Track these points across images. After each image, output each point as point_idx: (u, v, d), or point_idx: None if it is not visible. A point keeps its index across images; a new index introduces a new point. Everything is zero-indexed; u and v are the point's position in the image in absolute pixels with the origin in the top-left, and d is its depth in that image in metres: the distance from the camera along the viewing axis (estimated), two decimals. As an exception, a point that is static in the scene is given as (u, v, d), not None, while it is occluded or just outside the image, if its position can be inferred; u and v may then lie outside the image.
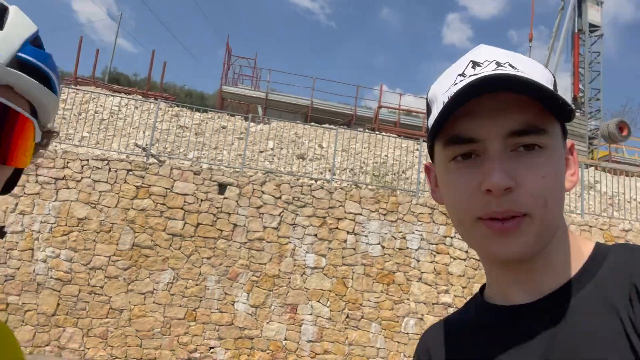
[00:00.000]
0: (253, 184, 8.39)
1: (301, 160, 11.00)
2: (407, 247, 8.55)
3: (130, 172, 7.97)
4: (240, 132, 11.67)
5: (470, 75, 0.59)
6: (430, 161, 0.73)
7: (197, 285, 7.70)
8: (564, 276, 0.62)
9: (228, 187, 8.29)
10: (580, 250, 0.64)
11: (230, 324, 7.66)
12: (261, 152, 10.87)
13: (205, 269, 7.79)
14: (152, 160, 8.84)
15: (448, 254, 8.60)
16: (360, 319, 8.08)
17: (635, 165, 18.72)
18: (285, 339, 7.79)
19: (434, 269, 8.47)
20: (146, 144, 9.35)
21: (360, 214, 8.59)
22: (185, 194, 8.05)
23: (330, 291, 8.13)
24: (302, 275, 8.11)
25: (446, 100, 0.58)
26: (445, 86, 0.62)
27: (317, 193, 8.56)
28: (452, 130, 0.59)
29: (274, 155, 10.74)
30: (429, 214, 8.75)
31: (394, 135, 13.83)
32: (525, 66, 0.60)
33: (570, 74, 19.48)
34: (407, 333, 8.06)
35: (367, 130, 13.23)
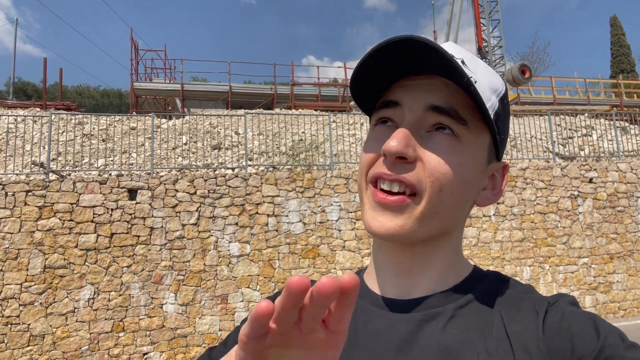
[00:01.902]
0: (165, 184, 8.27)
1: (217, 150, 10.91)
2: (328, 220, 8.82)
3: (29, 193, 7.61)
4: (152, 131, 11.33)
5: None
6: None
7: (120, 295, 7.58)
8: (439, 286, 0.63)
9: (139, 191, 8.12)
10: (461, 269, 0.66)
11: (162, 327, 7.66)
12: (174, 148, 10.65)
13: (126, 278, 7.67)
14: (53, 176, 8.46)
15: (367, 219, 8.95)
16: (291, 297, 8.31)
17: (541, 103, 20.07)
18: (219, 330, 7.90)
19: (355, 235, 8.81)
20: (46, 160, 8.90)
21: (278, 196, 8.72)
22: (94, 206, 7.82)
23: (258, 275, 8.28)
24: (228, 266, 8.19)
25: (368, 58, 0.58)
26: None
27: (232, 182, 8.57)
28: (385, 97, 0.62)
29: (188, 150, 10.57)
30: (345, 184, 9.03)
31: (310, 111, 13.94)
32: (477, 68, 0.61)
33: (472, 22, 20.30)
34: (339, 301, 8.40)
35: (283, 110, 13.25)
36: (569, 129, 13.88)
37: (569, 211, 9.82)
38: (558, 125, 13.81)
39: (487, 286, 0.63)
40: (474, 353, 0.55)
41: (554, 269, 9.49)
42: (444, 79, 0.57)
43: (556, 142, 12.65)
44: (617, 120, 13.43)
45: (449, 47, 0.61)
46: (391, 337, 0.60)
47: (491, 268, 9.15)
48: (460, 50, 0.62)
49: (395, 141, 0.55)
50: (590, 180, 10.09)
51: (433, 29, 21.64)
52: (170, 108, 22.16)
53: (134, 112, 17.09)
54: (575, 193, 9.95)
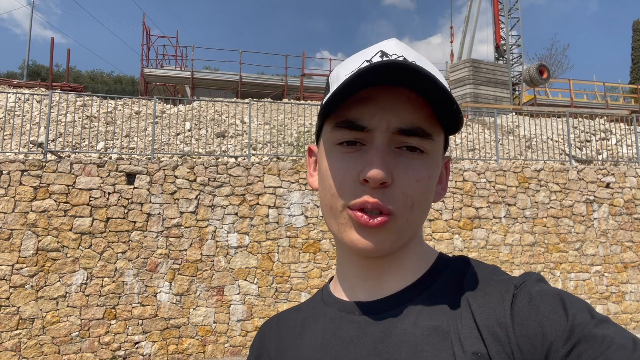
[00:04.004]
0: (164, 169, 8.02)
1: (221, 138, 10.65)
2: (331, 214, 8.51)
3: (25, 173, 7.41)
4: (157, 116, 11.12)
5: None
6: (314, 144, 0.73)
7: (113, 282, 7.37)
8: (406, 280, 0.64)
9: (137, 175, 7.89)
10: (426, 257, 0.67)
11: (155, 316, 7.43)
12: (178, 134, 10.41)
13: (121, 264, 7.45)
14: (51, 157, 8.26)
15: (371, 215, 8.65)
16: (289, 291, 8.05)
17: (557, 106, 19.53)
18: (214, 322, 7.66)
19: (359, 232, 8.50)
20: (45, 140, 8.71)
21: (280, 187, 8.44)
22: (90, 189, 7.60)
23: (256, 268, 8.02)
24: (225, 256, 7.94)
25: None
26: (349, 69, 0.61)
27: (234, 171, 8.31)
28: (346, 114, 0.59)
29: (191, 137, 10.32)
30: (350, 178, 8.72)
31: (319, 102, 13.62)
32: (429, 69, 0.60)
33: (491, 22, 19.79)
34: (338, 298, 8.12)
35: (291, 100, 12.94)
36: (587, 132, 13.40)
37: (583, 216, 9.41)
38: (575, 127, 13.34)
39: (452, 272, 0.63)
40: (447, 343, 0.55)
41: (565, 276, 9.11)
42: (411, 92, 0.58)
43: (573, 145, 12.21)
44: (637, 125, 12.91)
45: (398, 44, 0.62)
46: (363, 340, 0.60)
47: (499, 272, 8.80)
48: (409, 50, 0.62)
49: (378, 169, 0.56)
50: (607, 185, 9.66)
51: (450, 25, 21.14)
52: (180, 95, 21.97)
53: (139, 97, 16.90)
54: (591, 198, 9.54)
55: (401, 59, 0.59)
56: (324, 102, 0.63)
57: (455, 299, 0.59)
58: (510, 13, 19.90)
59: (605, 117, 14.39)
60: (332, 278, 0.76)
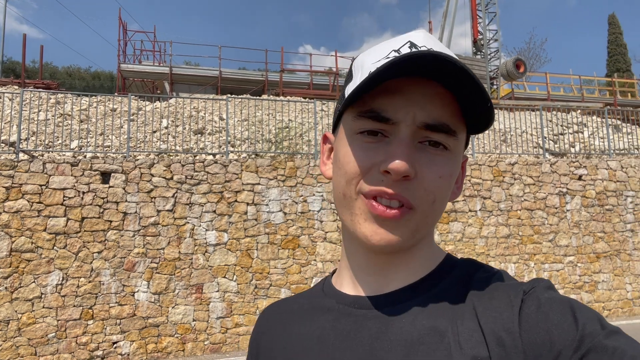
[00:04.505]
0: (140, 167, 7.95)
1: (199, 135, 10.58)
2: (309, 210, 8.56)
3: (-3, 173, 7.27)
4: (133, 113, 10.99)
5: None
6: (330, 132, 0.71)
7: (90, 282, 7.31)
8: (411, 278, 0.63)
9: (112, 174, 7.81)
10: (433, 257, 0.65)
11: (133, 316, 7.40)
12: (154, 132, 10.31)
13: (97, 264, 7.39)
14: (24, 156, 8.12)
15: (350, 210, 8.71)
16: (269, 287, 8.08)
17: (535, 99, 19.87)
18: (193, 320, 7.66)
19: (337, 227, 8.58)
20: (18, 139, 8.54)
21: (259, 184, 8.44)
22: (64, 189, 7.50)
23: (235, 265, 8.03)
24: (204, 254, 7.93)
25: (374, 70, 0.55)
26: (376, 57, 0.59)
27: (211, 168, 8.28)
28: (370, 104, 0.58)
29: (169, 134, 10.23)
30: (328, 174, 8.76)
31: (297, 98, 13.61)
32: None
33: (469, 18, 19.99)
34: (317, 293, 8.19)
35: (271, 96, 12.90)
36: (561, 125, 13.68)
37: (556, 208, 9.64)
38: (550, 121, 13.61)
39: (459, 274, 0.62)
40: (444, 344, 0.54)
41: (539, 267, 9.33)
42: (440, 87, 0.56)
43: (547, 138, 12.46)
44: (609, 118, 13.23)
45: (427, 35, 0.61)
46: (360, 335, 0.59)
47: (475, 264, 8.96)
48: (438, 42, 0.60)
49: (401, 161, 0.55)
50: (580, 178, 9.90)
51: (428, 19, 21.26)
52: (158, 92, 21.70)
53: (115, 94, 16.67)
54: (564, 190, 9.77)
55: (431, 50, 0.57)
56: (348, 91, 0.61)
57: (460, 301, 0.58)
58: (487, 8, 20.12)
59: (579, 110, 14.70)
60: (335, 270, 0.75)
